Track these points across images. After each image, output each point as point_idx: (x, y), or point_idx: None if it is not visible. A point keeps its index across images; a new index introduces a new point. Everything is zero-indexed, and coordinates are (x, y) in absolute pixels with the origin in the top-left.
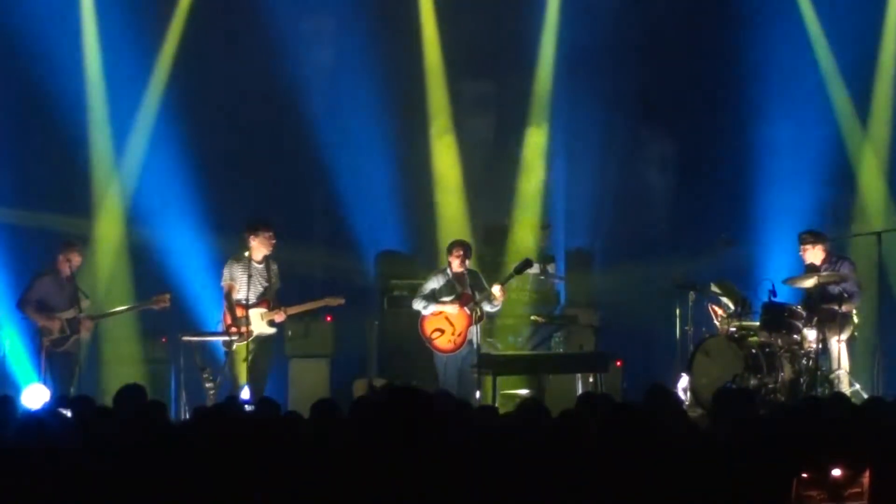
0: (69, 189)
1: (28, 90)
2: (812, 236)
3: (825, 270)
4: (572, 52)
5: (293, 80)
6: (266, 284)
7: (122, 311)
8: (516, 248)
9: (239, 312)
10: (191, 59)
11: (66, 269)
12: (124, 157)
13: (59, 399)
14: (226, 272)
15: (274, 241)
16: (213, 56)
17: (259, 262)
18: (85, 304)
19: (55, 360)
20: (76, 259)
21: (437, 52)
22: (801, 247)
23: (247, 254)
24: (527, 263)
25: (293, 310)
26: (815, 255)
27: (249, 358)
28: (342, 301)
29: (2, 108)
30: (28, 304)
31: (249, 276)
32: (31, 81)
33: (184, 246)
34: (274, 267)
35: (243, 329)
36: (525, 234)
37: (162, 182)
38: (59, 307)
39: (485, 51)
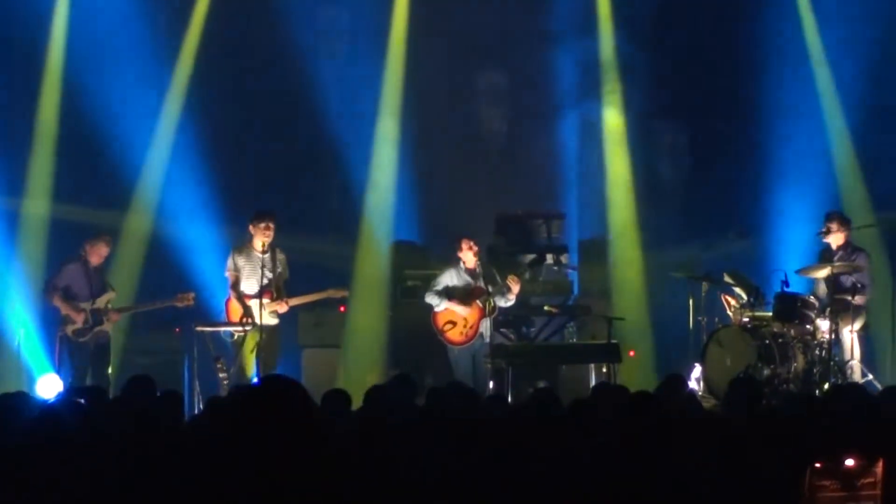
0: (93, 183)
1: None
2: (840, 218)
3: (839, 259)
4: (584, 41)
5: (308, 72)
6: (271, 275)
7: (147, 308)
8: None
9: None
10: (209, 56)
11: (93, 260)
12: (148, 152)
13: (73, 389)
14: (229, 263)
15: (269, 231)
16: (230, 51)
17: (263, 252)
18: (111, 296)
19: (74, 350)
20: (104, 250)
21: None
22: (826, 225)
23: (250, 244)
24: (539, 259)
25: (296, 301)
26: (836, 238)
27: (257, 348)
28: (346, 293)
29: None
30: (54, 291)
31: (253, 267)
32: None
33: (197, 236)
34: (281, 257)
35: (255, 317)
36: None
37: (176, 174)
38: (83, 297)
39: (500, 42)
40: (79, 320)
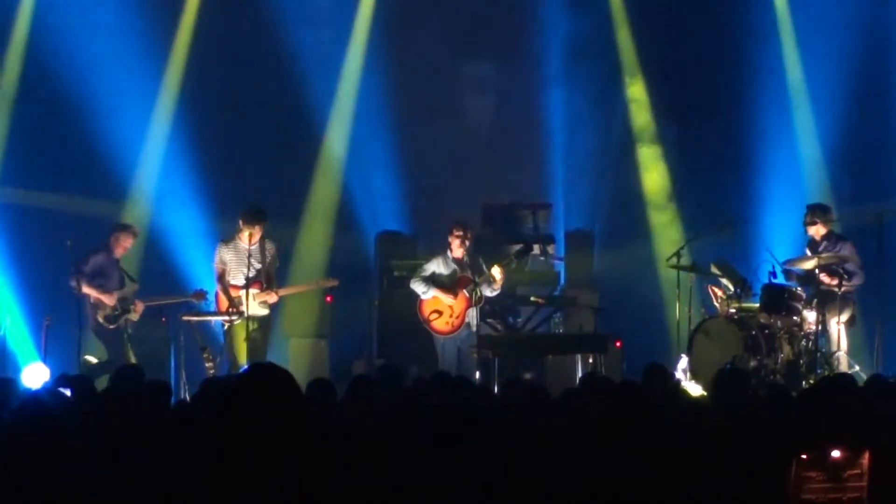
0: (85, 173)
1: (52, 77)
2: (819, 211)
3: (824, 250)
4: (571, 33)
5: (295, 62)
6: (259, 266)
7: (168, 301)
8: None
9: (233, 293)
10: (201, 49)
11: (117, 252)
12: (144, 143)
13: (59, 378)
14: (216, 255)
15: (251, 233)
16: (220, 44)
17: (252, 244)
18: (134, 287)
19: (106, 336)
20: (128, 242)
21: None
22: (806, 217)
23: (238, 236)
24: (527, 249)
25: (285, 291)
26: (817, 229)
27: (249, 338)
28: (335, 283)
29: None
30: (82, 277)
31: (240, 258)
32: (57, 69)
33: (185, 226)
34: (270, 247)
35: (241, 309)
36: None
37: (170, 165)
38: (112, 286)
39: (486, 32)
40: (109, 305)
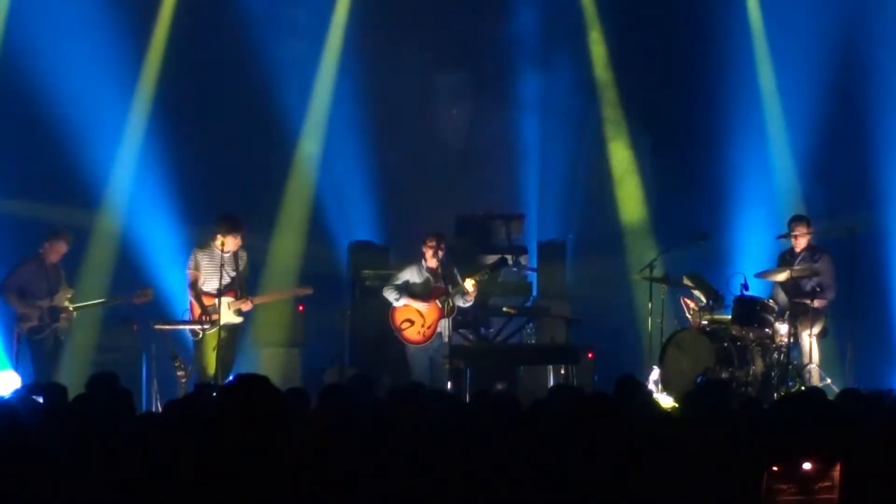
0: (58, 181)
1: (26, 85)
2: (803, 220)
3: (802, 261)
4: (545, 46)
5: (268, 72)
6: (234, 274)
7: (103, 304)
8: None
9: (206, 301)
10: (175, 59)
11: (51, 258)
12: (117, 151)
13: (31, 386)
14: (191, 261)
15: (240, 242)
16: (194, 54)
17: (226, 252)
18: (68, 293)
19: (31, 347)
20: (63, 248)
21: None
22: (790, 228)
23: (213, 243)
24: (502, 262)
25: (260, 299)
26: (800, 241)
27: (218, 347)
28: (310, 291)
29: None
30: (9, 290)
31: (215, 266)
32: (30, 77)
33: (155, 234)
34: (243, 256)
35: (214, 317)
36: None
37: (143, 173)
38: (40, 294)
39: (460, 44)
40: (34, 318)
